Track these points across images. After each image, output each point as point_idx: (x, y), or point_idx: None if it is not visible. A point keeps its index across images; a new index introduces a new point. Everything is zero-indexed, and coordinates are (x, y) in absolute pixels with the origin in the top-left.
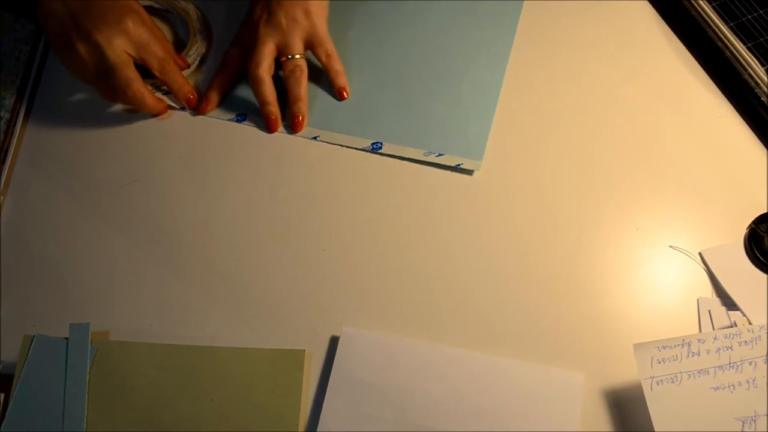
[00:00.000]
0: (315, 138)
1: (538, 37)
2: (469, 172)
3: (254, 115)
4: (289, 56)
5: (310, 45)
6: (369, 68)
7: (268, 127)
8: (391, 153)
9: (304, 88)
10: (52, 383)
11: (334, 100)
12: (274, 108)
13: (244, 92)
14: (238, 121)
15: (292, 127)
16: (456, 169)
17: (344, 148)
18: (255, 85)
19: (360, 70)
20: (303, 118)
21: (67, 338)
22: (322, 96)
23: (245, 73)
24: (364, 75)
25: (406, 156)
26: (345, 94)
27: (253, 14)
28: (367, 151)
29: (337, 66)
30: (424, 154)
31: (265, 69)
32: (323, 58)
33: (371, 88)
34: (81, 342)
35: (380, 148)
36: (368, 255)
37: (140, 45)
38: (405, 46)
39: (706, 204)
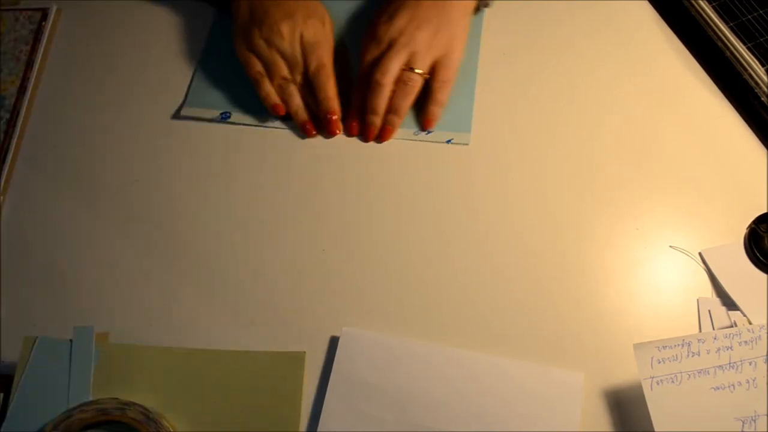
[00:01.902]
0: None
1: (537, 37)
2: (462, 144)
3: (239, 113)
4: (411, 68)
5: (436, 65)
6: (347, 54)
7: (366, 135)
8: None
9: (407, 104)
10: (55, 385)
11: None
12: (379, 120)
13: (228, 88)
14: (223, 118)
15: (380, 134)
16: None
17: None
18: (374, 92)
19: (337, 56)
20: (393, 130)
21: (70, 340)
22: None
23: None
24: (343, 61)
25: (396, 137)
26: (430, 125)
27: (400, 17)
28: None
29: (443, 97)
30: (414, 134)
31: (391, 80)
32: (437, 84)
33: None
34: (85, 345)
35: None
36: (368, 255)
37: (310, 42)
38: None
39: (706, 204)
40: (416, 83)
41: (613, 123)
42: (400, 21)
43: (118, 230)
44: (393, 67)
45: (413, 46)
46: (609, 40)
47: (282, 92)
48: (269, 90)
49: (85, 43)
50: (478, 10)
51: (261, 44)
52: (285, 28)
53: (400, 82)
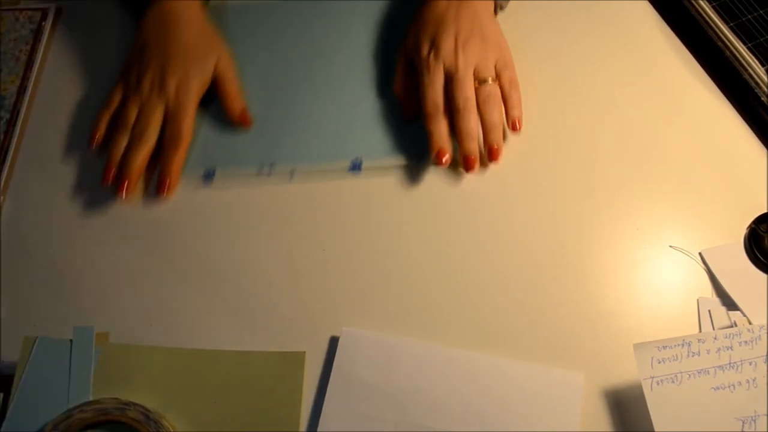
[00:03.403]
0: (292, 173)
1: (536, 37)
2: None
3: (222, 169)
4: (482, 81)
5: (497, 69)
6: (344, 87)
7: (468, 164)
8: (373, 166)
9: (500, 114)
10: (55, 385)
11: (305, 131)
12: (476, 145)
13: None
14: (206, 177)
15: (490, 156)
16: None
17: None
18: (464, 118)
19: (333, 89)
20: (499, 147)
21: (70, 340)
22: (291, 127)
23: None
24: (337, 93)
25: (389, 165)
26: (518, 125)
27: (444, 39)
28: (347, 170)
29: (517, 95)
30: (407, 163)
31: (473, 104)
32: (506, 85)
33: (343, 107)
34: (85, 345)
35: (360, 165)
36: (368, 255)
37: (171, 111)
38: (367, 58)
39: (706, 204)
40: (497, 92)
41: (613, 123)
42: (447, 43)
43: (118, 230)
44: (469, 92)
45: (473, 62)
46: (609, 40)
47: (113, 132)
48: (103, 120)
49: (85, 43)
50: (495, 13)
51: (130, 85)
52: (147, 86)
53: (481, 98)
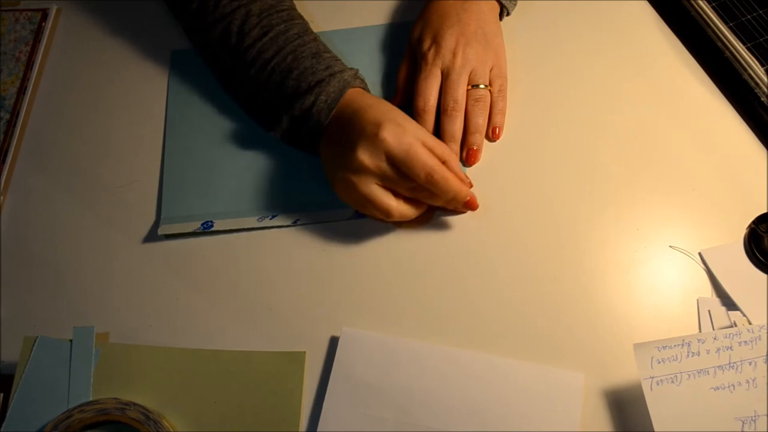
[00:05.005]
0: (295, 222)
1: (535, 37)
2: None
3: (221, 219)
4: (474, 85)
5: (490, 75)
6: None
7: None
8: None
9: (485, 119)
10: (55, 385)
11: (306, 185)
12: (458, 147)
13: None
14: (205, 228)
15: (467, 158)
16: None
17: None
18: (451, 119)
19: None
20: (479, 149)
21: (70, 340)
22: (290, 181)
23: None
24: None
25: None
26: (498, 132)
27: (447, 38)
28: (352, 219)
29: (504, 104)
30: None
31: (463, 106)
32: (495, 93)
33: None
34: (85, 345)
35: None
36: (368, 255)
37: (401, 158)
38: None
39: (706, 204)
40: (487, 98)
41: (613, 123)
42: (448, 42)
43: (118, 230)
44: (461, 94)
45: (470, 65)
46: (609, 40)
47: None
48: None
49: (85, 43)
50: (501, 17)
51: (357, 183)
52: (365, 157)
53: (471, 100)
